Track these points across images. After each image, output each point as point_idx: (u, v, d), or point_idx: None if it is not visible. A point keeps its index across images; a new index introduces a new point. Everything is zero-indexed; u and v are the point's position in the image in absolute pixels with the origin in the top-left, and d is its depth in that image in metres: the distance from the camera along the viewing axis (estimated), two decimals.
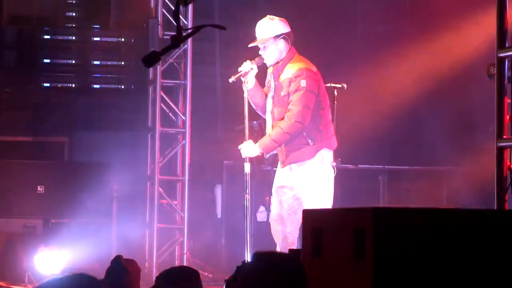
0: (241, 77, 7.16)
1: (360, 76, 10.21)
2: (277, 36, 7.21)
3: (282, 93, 7.16)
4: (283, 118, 7.13)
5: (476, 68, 8.11)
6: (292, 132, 7.08)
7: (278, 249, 7.09)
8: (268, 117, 7.33)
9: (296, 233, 7.12)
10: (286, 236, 7.14)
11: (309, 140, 7.12)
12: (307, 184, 7.12)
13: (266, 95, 7.34)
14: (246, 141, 7.22)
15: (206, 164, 10.89)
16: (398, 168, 10.30)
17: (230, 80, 7.20)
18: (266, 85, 7.41)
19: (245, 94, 7.20)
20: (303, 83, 7.07)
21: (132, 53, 10.85)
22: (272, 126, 7.25)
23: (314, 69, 7.22)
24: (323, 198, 7.11)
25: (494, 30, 5.71)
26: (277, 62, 7.24)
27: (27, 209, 9.51)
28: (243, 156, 7.23)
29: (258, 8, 10.33)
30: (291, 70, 7.15)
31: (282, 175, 7.27)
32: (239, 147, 7.25)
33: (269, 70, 7.39)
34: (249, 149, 7.21)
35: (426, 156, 10.40)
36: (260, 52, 7.25)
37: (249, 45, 7.28)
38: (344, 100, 8.40)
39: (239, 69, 7.17)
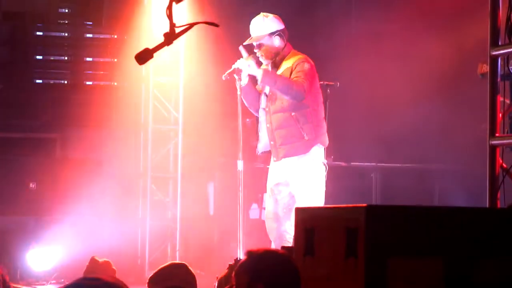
0: (234, 75, 7.11)
1: (353, 74, 10.21)
2: (272, 33, 7.19)
3: None
4: (278, 112, 7.11)
5: (467, 67, 8.11)
6: (293, 89, 6.96)
7: (272, 246, 7.08)
8: (262, 114, 7.30)
9: (291, 231, 7.11)
10: (281, 234, 7.13)
11: (305, 134, 7.11)
12: (300, 179, 7.11)
13: (260, 93, 7.31)
14: (239, 139, 7.18)
15: (199, 161, 10.87)
16: (391, 166, 10.30)
17: (223, 77, 7.14)
18: (259, 82, 7.38)
19: (238, 92, 7.17)
20: (306, 65, 7.07)
21: (124, 50, 10.82)
22: (266, 122, 7.22)
23: (312, 62, 7.21)
24: (315, 195, 7.09)
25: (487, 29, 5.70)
26: (274, 59, 7.22)
27: (19, 206, 9.48)
28: (238, 67, 6.99)
29: (251, 4, 10.31)
30: (289, 62, 7.14)
31: (277, 171, 7.24)
32: (240, 60, 7.04)
33: (263, 67, 7.35)
34: (247, 64, 7.02)
35: (418, 154, 10.40)
36: (255, 50, 7.21)
37: (244, 43, 7.24)
38: (337, 98, 8.40)
39: (233, 66, 7.13)
